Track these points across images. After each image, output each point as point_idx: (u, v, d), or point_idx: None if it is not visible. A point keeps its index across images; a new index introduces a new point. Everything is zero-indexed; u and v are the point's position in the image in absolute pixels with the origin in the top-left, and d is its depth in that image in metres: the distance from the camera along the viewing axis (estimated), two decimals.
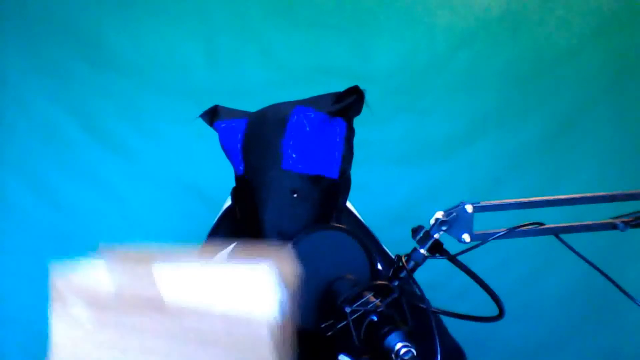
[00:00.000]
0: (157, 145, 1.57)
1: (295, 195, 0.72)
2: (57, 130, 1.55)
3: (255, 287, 0.49)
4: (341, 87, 0.76)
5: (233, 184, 0.81)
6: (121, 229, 1.55)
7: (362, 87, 0.74)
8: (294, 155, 0.72)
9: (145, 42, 1.57)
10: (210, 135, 0.87)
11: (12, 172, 1.53)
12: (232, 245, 0.71)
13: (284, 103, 0.78)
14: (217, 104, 0.84)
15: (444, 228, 0.60)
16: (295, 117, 0.73)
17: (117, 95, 1.57)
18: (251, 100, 0.93)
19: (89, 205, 1.56)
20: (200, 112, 0.83)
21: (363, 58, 1.61)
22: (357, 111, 0.76)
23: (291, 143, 0.72)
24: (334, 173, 0.75)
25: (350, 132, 0.77)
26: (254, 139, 0.76)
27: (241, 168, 0.78)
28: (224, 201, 0.89)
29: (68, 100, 1.55)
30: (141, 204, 1.58)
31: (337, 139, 0.76)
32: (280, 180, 0.72)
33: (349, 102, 0.74)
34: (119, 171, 1.57)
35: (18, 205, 1.52)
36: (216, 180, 1.06)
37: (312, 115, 0.73)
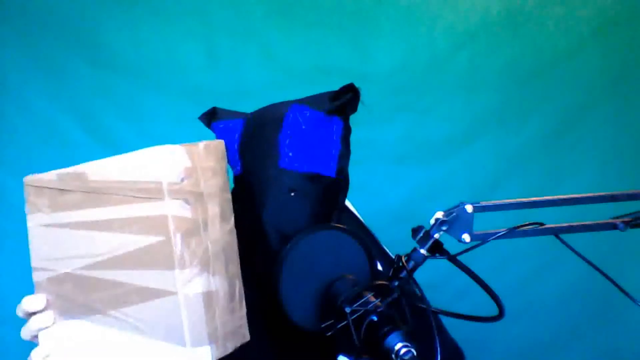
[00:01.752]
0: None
1: (292, 194, 0.72)
2: (57, 130, 1.55)
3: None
4: (340, 86, 0.76)
5: (232, 185, 0.81)
6: None
7: (358, 85, 0.74)
8: (290, 154, 0.72)
9: (145, 42, 1.56)
10: (210, 136, 0.87)
11: (12, 172, 1.53)
12: None
13: (280, 103, 0.78)
14: (216, 104, 0.84)
15: (444, 228, 0.60)
16: (291, 115, 0.73)
17: (117, 95, 1.56)
18: (251, 100, 0.93)
19: None
20: (200, 112, 0.83)
21: (363, 58, 1.61)
22: (353, 109, 0.76)
23: (287, 142, 0.72)
24: (331, 171, 0.75)
25: (346, 130, 0.77)
26: (251, 139, 0.76)
27: (238, 168, 0.78)
28: None
29: (68, 100, 1.55)
30: None
31: (334, 137, 0.76)
32: (278, 179, 0.72)
33: (345, 100, 0.74)
34: None
35: (18, 205, 1.51)
36: None
37: (308, 114, 0.73)
